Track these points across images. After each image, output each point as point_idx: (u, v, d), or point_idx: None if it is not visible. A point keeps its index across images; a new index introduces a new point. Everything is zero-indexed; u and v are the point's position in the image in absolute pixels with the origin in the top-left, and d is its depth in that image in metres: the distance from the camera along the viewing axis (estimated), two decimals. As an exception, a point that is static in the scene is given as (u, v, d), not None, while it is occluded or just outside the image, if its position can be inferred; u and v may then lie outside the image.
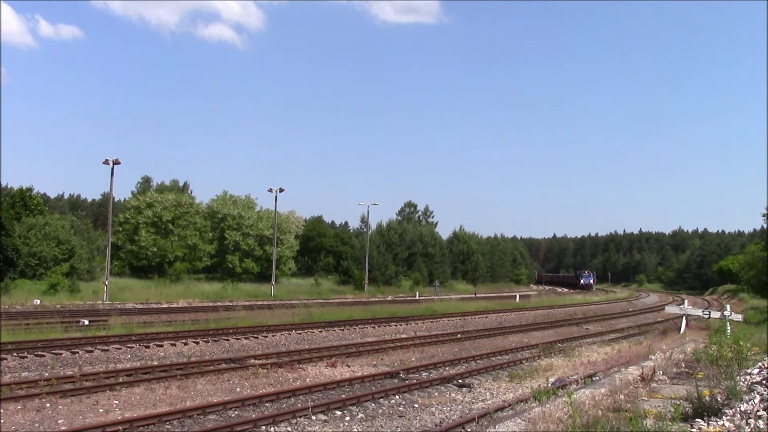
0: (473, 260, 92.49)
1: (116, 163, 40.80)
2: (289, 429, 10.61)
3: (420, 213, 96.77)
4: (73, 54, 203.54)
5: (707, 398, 8.89)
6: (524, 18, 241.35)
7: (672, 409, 8.28)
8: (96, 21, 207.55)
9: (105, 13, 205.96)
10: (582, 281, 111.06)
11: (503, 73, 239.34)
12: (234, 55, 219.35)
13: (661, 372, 13.66)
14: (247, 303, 41.04)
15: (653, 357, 15.76)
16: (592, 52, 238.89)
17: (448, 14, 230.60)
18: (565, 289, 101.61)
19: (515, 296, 63.80)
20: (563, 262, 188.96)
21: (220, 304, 40.13)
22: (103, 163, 40.75)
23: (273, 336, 22.83)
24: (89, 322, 25.56)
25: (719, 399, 8.96)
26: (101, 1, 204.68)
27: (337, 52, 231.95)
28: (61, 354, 16.85)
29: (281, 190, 55.46)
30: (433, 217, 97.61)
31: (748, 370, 12.09)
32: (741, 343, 14.13)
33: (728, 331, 21.46)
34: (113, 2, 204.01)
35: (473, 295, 66.49)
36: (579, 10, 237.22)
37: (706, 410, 8.36)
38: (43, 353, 16.66)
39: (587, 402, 9.24)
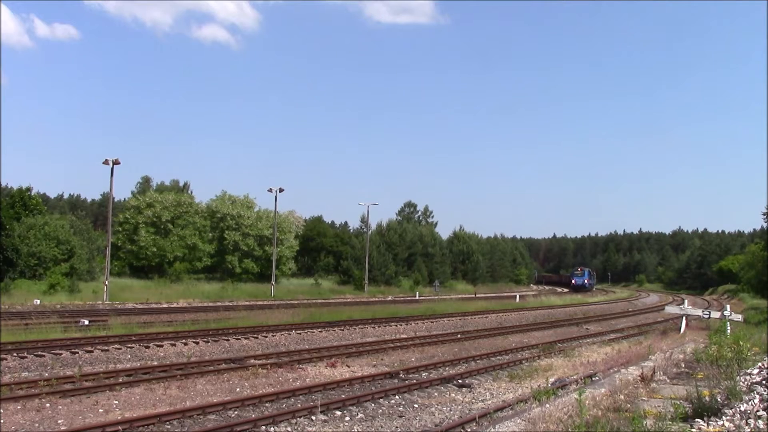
0: (473, 260, 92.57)
1: (116, 163, 40.89)
2: (289, 429, 10.61)
3: (420, 213, 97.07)
4: (70, 54, 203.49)
5: (707, 398, 8.89)
6: (521, 17, 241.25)
7: (672, 409, 8.29)
8: (91, 21, 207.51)
9: (100, 13, 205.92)
10: (574, 281, 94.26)
11: (501, 72, 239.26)
12: (229, 56, 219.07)
13: (661, 372, 13.65)
14: (247, 303, 41.08)
15: (653, 357, 15.75)
16: (591, 52, 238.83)
17: (443, 14, 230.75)
18: (565, 290, 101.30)
19: (515, 296, 63.79)
20: (563, 262, 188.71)
21: (220, 304, 40.21)
22: (103, 163, 40.88)
23: (273, 336, 22.82)
24: (89, 322, 25.56)
25: (719, 399, 8.96)
26: (96, 1, 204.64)
27: (333, 52, 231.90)
28: (60, 354, 16.84)
29: (281, 190, 55.62)
30: (433, 217, 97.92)
31: (748, 370, 12.10)
32: (741, 343, 14.17)
33: (728, 331, 21.45)
34: (107, 2, 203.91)
35: (473, 295, 66.52)
36: (577, 9, 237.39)
37: (706, 410, 8.36)
38: (43, 353, 16.65)
39: (587, 402, 9.23)
